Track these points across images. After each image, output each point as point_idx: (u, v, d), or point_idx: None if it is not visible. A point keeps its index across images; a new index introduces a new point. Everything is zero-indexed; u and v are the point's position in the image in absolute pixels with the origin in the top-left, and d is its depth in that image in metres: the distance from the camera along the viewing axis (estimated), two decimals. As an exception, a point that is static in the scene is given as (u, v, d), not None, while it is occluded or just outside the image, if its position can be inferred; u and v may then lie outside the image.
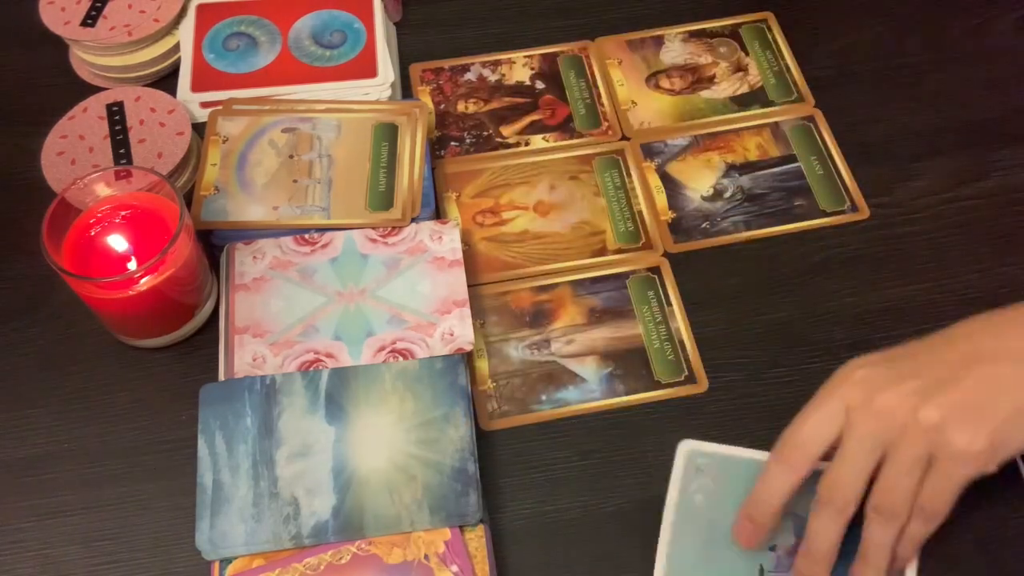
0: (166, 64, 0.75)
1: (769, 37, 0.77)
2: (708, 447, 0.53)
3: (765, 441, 0.51)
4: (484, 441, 0.58)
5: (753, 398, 0.59)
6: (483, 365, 0.61)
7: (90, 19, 0.73)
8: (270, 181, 0.66)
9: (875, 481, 0.48)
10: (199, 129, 0.70)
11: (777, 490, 0.49)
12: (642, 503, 0.55)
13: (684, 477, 0.52)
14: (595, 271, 0.65)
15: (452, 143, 0.72)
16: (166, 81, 0.74)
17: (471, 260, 0.65)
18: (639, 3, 0.80)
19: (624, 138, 0.72)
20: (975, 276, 0.64)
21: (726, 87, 0.74)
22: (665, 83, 0.74)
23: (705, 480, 0.52)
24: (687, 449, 0.53)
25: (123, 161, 0.66)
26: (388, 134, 0.69)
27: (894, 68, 0.75)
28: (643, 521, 0.54)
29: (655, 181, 0.69)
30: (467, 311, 0.60)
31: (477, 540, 0.53)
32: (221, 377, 0.59)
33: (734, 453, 0.53)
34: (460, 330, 0.59)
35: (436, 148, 0.72)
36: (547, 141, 0.72)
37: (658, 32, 0.77)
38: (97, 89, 0.72)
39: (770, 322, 0.63)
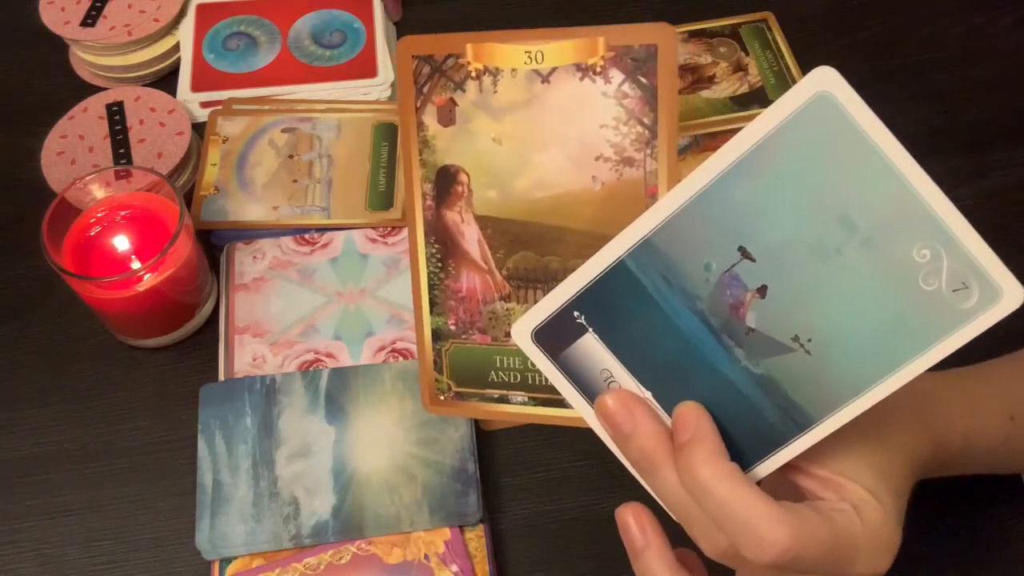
0: (166, 64, 0.75)
1: (769, 37, 0.77)
2: (854, 101, 0.33)
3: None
4: (484, 441, 0.58)
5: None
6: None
7: (90, 19, 0.73)
8: (270, 181, 0.67)
9: None
10: (199, 129, 0.70)
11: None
12: (642, 502, 0.55)
13: (803, 113, 0.33)
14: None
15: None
16: (166, 81, 0.74)
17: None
18: (639, 3, 0.80)
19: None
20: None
21: (726, 87, 0.74)
22: (665, 83, 0.74)
23: (814, 132, 0.33)
24: (827, 83, 0.33)
25: (123, 161, 0.66)
26: (388, 134, 0.68)
27: (894, 68, 0.75)
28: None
29: (655, 181, 0.69)
30: (467, 311, 0.60)
31: (477, 540, 0.53)
32: (221, 377, 0.59)
33: (876, 136, 0.34)
34: (460, 330, 0.59)
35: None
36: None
37: (658, 32, 0.77)
38: (97, 89, 0.72)
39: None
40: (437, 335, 0.49)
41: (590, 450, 0.58)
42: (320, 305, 0.61)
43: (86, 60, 0.74)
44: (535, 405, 0.49)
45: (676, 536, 0.38)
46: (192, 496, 0.54)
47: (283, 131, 0.69)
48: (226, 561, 0.52)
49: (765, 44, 0.76)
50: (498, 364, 0.49)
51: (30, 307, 0.64)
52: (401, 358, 0.59)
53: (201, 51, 0.74)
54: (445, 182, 0.47)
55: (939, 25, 0.77)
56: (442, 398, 0.50)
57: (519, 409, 0.49)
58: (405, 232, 0.64)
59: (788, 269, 0.34)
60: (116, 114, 0.69)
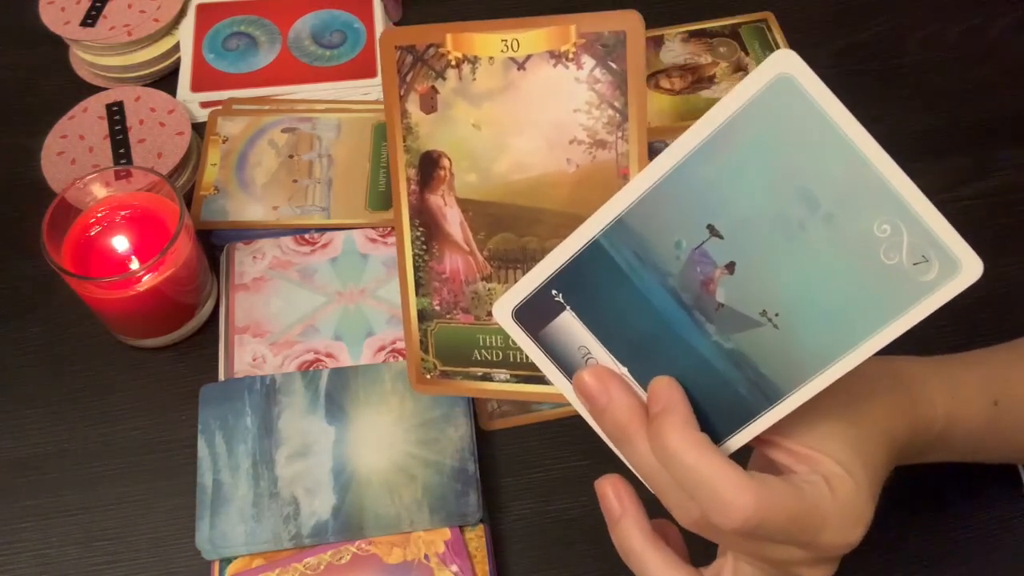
0: (166, 64, 0.75)
1: (769, 37, 0.77)
2: (813, 82, 0.33)
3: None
4: (484, 441, 0.58)
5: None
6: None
7: (90, 19, 0.73)
8: (270, 181, 0.67)
9: None
10: (199, 129, 0.70)
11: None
12: (643, 502, 0.55)
13: (765, 94, 0.35)
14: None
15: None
16: (166, 81, 0.74)
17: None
18: (639, 3, 0.79)
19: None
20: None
21: (726, 87, 0.74)
22: (665, 83, 0.74)
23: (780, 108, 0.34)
24: (787, 65, 0.34)
25: (123, 161, 0.66)
26: (388, 134, 0.69)
27: (894, 68, 0.75)
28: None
29: (655, 181, 0.69)
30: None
31: (477, 540, 0.53)
32: (221, 377, 0.59)
33: (835, 116, 0.33)
34: (460, 330, 0.59)
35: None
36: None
37: (658, 32, 0.77)
38: (97, 89, 0.72)
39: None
40: (423, 315, 0.51)
41: (590, 450, 0.58)
42: (320, 305, 0.61)
43: (86, 60, 0.74)
44: (517, 382, 0.50)
45: (656, 512, 0.39)
46: (192, 496, 0.54)
47: (283, 131, 0.69)
48: (226, 561, 0.52)
49: (765, 44, 0.76)
50: (481, 343, 0.50)
51: (30, 307, 0.64)
52: (401, 358, 0.59)
53: (201, 51, 0.74)
54: (428, 167, 0.48)
55: (939, 25, 0.77)
56: (428, 377, 0.52)
57: (502, 386, 0.51)
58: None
59: (755, 245, 0.34)
60: (116, 114, 0.69)
